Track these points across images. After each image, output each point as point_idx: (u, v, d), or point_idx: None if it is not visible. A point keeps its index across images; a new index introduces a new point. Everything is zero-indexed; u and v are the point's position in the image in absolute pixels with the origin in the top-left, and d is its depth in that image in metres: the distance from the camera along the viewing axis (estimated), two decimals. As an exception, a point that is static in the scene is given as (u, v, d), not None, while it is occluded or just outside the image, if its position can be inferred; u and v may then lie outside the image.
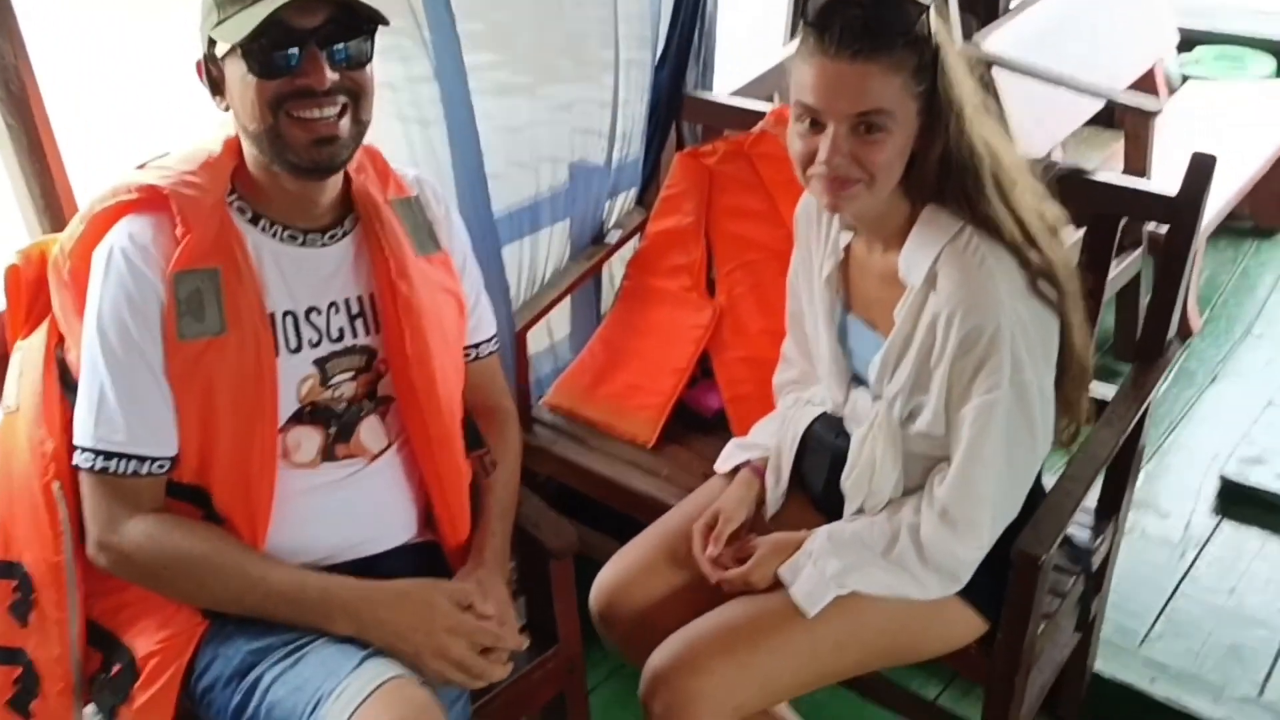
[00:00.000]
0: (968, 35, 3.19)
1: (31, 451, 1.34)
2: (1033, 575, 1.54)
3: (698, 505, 1.76)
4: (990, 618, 1.59)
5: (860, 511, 1.60)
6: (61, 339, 1.38)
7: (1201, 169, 1.73)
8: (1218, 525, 2.57)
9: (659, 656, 1.55)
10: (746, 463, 1.76)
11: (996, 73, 3.09)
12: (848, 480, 1.59)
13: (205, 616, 1.33)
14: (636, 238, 2.34)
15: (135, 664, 1.31)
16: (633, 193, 2.36)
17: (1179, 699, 2.06)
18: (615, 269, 2.42)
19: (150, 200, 1.30)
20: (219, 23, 1.24)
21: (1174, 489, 2.67)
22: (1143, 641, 2.24)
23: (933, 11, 1.37)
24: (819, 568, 1.53)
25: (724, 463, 1.80)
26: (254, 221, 1.36)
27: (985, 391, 1.43)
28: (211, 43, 1.27)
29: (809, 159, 1.42)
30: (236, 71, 1.26)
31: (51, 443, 1.32)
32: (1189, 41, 4.07)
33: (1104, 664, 2.12)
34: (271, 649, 1.27)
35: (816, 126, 1.40)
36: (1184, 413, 2.94)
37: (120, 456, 1.28)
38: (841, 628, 1.53)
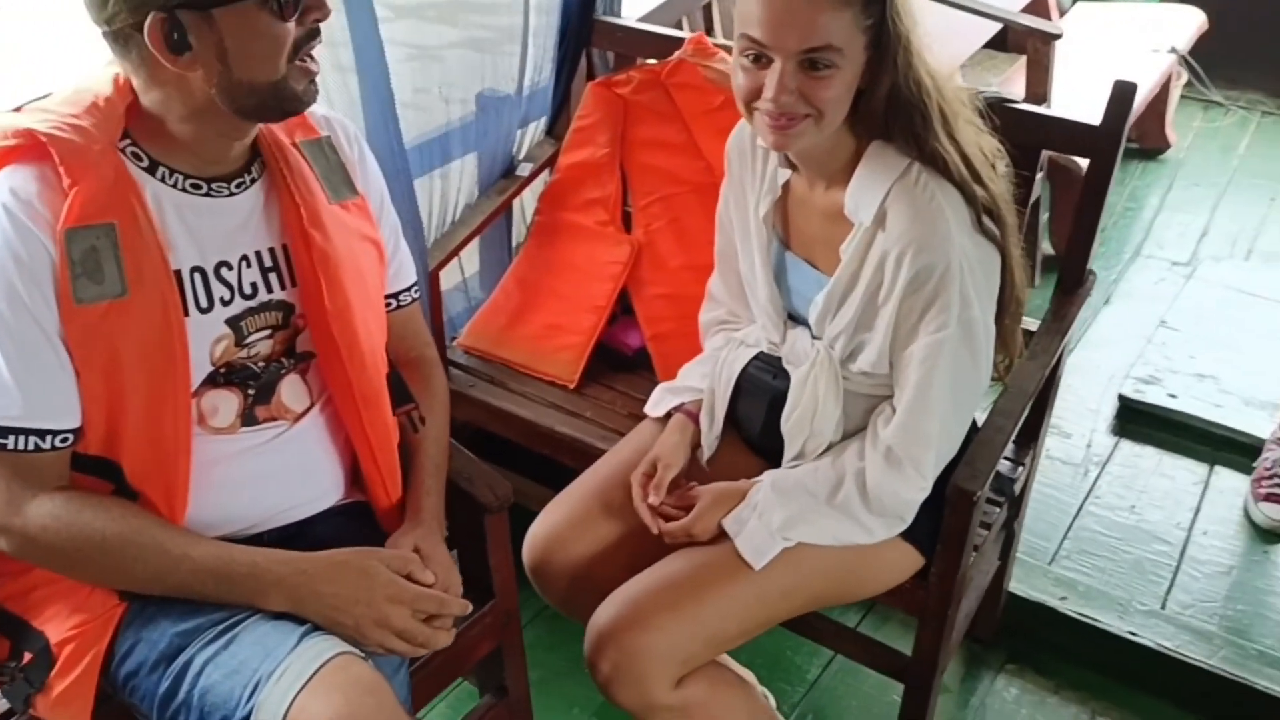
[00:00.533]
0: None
1: None
2: (968, 511, 1.55)
3: (631, 452, 1.72)
4: (925, 552, 1.60)
5: (800, 454, 1.58)
6: None
7: (1122, 99, 1.74)
8: (1116, 444, 2.66)
9: (604, 615, 1.52)
10: (679, 406, 1.72)
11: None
12: (789, 421, 1.57)
13: (123, 598, 1.24)
14: (547, 171, 2.26)
15: (50, 651, 1.21)
16: (542, 123, 2.26)
17: (1089, 615, 2.14)
18: (525, 203, 2.33)
19: (31, 148, 1.17)
20: None
21: (1074, 410, 2.75)
22: (1052, 560, 2.32)
23: None
24: (764, 520, 1.51)
25: (655, 407, 1.76)
26: (151, 170, 1.24)
27: (934, 330, 1.42)
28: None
29: (754, 94, 1.37)
30: (250, 22, 1.13)
31: None
32: (1078, -37, 4.12)
33: (1017, 584, 2.18)
34: (200, 630, 1.19)
35: (762, 61, 1.35)
36: (1080, 334, 3.02)
37: (17, 432, 1.17)
38: (787, 576, 1.52)
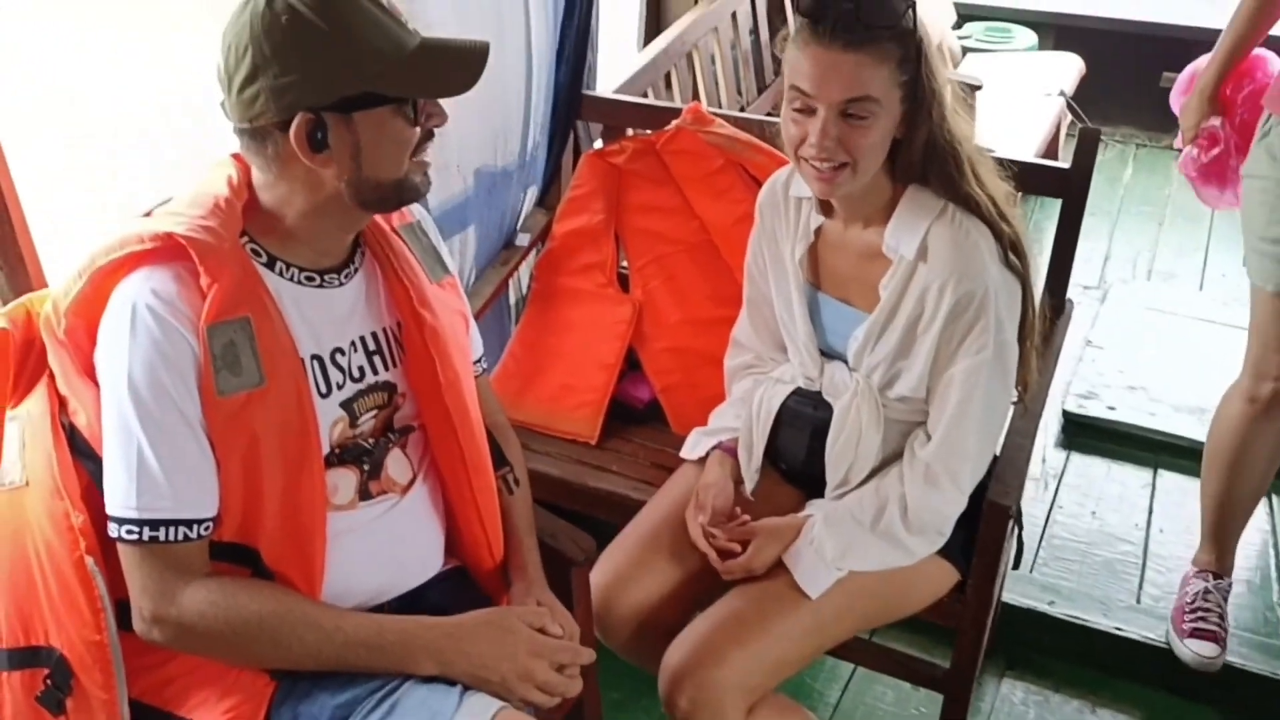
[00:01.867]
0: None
1: (55, 526, 1.23)
2: (1003, 524, 1.70)
3: (676, 495, 1.82)
4: (960, 567, 1.74)
5: (844, 481, 1.70)
6: (63, 402, 1.28)
7: (1088, 143, 1.94)
8: (1068, 457, 2.88)
9: (676, 654, 1.61)
10: (717, 445, 1.83)
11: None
12: (834, 448, 1.69)
13: (273, 677, 1.27)
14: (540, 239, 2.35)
15: (204, 738, 1.24)
16: (533, 194, 2.36)
17: (1076, 615, 2.32)
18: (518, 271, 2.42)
19: (166, 249, 1.22)
20: (375, 76, 1.19)
21: (1026, 428, 2.95)
22: (1032, 568, 2.49)
23: (916, 6, 1.48)
24: (820, 553, 1.63)
25: (692, 450, 1.87)
26: (270, 265, 1.30)
27: (975, 353, 1.57)
28: (344, 100, 1.20)
29: (801, 140, 1.52)
30: (384, 125, 1.22)
31: (81, 516, 1.22)
32: (962, 18, 4.46)
33: (1007, 593, 2.34)
34: (358, 700, 1.24)
35: (807, 110, 1.49)
36: (1018, 358, 3.24)
37: (169, 524, 1.20)
38: (840, 600, 1.64)
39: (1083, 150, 1.94)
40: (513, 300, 2.45)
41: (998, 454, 1.78)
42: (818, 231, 1.70)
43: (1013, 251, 1.59)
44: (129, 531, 1.20)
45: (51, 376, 1.29)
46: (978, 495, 1.69)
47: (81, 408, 1.26)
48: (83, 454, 1.26)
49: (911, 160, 1.55)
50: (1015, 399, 1.75)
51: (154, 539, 1.20)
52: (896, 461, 1.70)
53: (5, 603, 1.28)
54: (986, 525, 1.71)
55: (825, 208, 1.68)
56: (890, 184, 1.60)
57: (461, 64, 1.25)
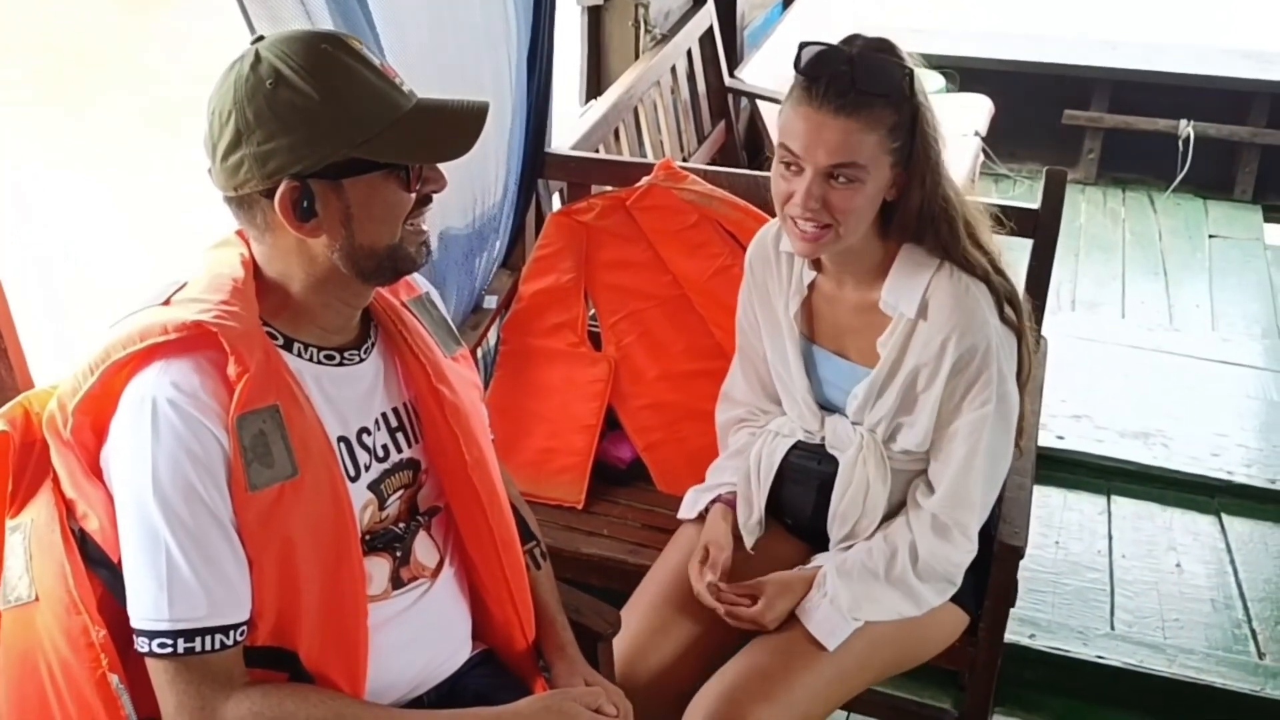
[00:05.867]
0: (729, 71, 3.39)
1: (72, 644, 1.13)
2: (1015, 565, 1.71)
3: (679, 558, 1.78)
4: (970, 610, 1.74)
5: (851, 534, 1.69)
6: (70, 507, 1.18)
7: (1056, 183, 1.99)
8: (1025, 488, 2.92)
9: (698, 713, 1.57)
10: (716, 499, 1.80)
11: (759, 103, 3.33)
12: (842, 502, 1.68)
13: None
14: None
15: None
16: (498, 256, 2.32)
17: (1057, 647, 2.34)
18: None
19: (186, 339, 1.14)
20: (364, 141, 1.12)
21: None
22: (1009, 602, 2.52)
23: (916, 74, 1.49)
24: (835, 605, 1.61)
25: (691, 509, 1.84)
26: (287, 347, 1.23)
27: (979, 405, 1.58)
28: (332, 166, 1.13)
29: (787, 198, 1.51)
30: (376, 191, 1.15)
31: (102, 631, 1.13)
32: (871, 62, 4.56)
33: (989, 630, 2.36)
34: None
35: (794, 169, 1.49)
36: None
37: (205, 633, 1.11)
38: (860, 650, 1.63)
39: (1051, 191, 1.99)
40: (481, 364, 2.38)
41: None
42: (811, 286, 1.70)
43: (1009, 305, 1.61)
44: (161, 645, 1.11)
45: (55, 480, 1.19)
46: (980, 538, 1.69)
47: (92, 511, 1.16)
48: (95, 561, 1.16)
49: (905, 222, 1.56)
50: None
51: (190, 650, 1.11)
52: (902, 511, 1.69)
53: (15, 731, 1.17)
54: (999, 567, 1.71)
55: (817, 263, 1.68)
56: (882, 243, 1.60)
57: (458, 127, 1.19)
